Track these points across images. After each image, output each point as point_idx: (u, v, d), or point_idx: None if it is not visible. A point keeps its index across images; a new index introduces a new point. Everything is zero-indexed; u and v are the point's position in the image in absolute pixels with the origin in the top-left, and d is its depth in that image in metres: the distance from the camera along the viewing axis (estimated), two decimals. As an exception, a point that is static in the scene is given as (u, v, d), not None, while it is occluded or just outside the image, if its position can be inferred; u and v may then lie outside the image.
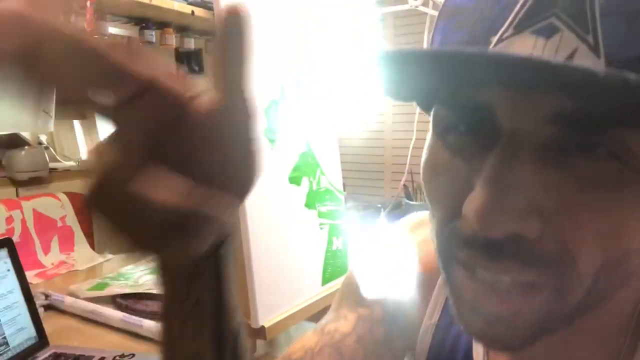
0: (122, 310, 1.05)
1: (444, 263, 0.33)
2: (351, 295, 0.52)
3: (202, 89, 0.27)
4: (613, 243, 0.28)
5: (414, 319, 0.47)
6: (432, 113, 0.33)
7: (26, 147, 2.03)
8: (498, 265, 0.29)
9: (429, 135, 0.34)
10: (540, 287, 0.29)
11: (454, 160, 0.31)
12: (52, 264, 1.44)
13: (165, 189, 0.25)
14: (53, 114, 1.73)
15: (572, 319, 0.31)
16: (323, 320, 0.52)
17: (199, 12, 1.82)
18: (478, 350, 0.42)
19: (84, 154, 2.63)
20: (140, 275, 1.29)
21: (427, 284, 0.47)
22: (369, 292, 0.50)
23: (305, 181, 0.98)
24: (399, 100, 0.35)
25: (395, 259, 0.50)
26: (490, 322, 0.30)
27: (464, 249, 0.30)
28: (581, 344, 0.37)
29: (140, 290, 1.16)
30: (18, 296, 0.86)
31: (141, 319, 0.98)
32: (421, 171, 0.34)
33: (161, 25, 1.89)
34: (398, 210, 1.97)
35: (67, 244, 1.54)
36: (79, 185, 2.10)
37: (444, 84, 0.30)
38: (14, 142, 2.06)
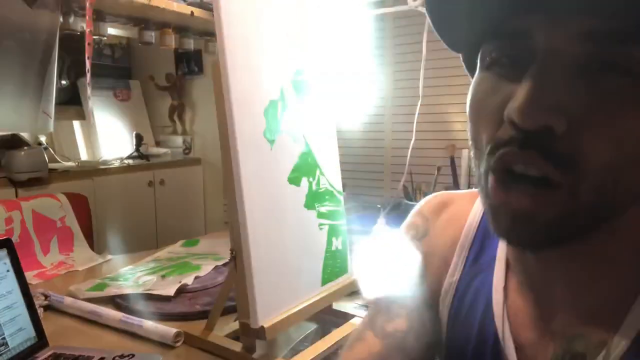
0: (122, 311, 1.05)
1: (483, 179, 0.39)
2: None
3: None
4: (621, 147, 0.34)
5: (438, 278, 0.54)
6: (478, 56, 0.41)
7: (25, 147, 2.03)
8: (527, 153, 0.35)
9: (474, 77, 0.42)
10: (556, 187, 0.35)
11: (498, 84, 0.38)
12: (52, 264, 1.44)
13: None
14: (52, 115, 1.73)
15: (588, 227, 0.37)
16: (378, 320, 0.55)
17: (199, 12, 1.82)
18: (498, 297, 0.48)
19: (83, 155, 2.64)
20: (139, 276, 1.29)
21: (449, 250, 0.54)
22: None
23: (304, 181, 0.98)
24: (451, 48, 0.44)
25: (420, 235, 0.58)
26: (516, 219, 0.37)
27: (500, 150, 0.37)
28: (599, 272, 0.41)
29: (140, 291, 1.16)
30: (17, 297, 0.86)
31: (141, 319, 0.98)
32: (468, 104, 0.42)
33: (161, 25, 1.89)
34: (397, 210, 1.97)
35: (66, 244, 1.54)
36: (78, 186, 2.10)
37: (492, 11, 0.37)
38: (14, 142, 2.06)
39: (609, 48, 0.33)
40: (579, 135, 0.34)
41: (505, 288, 0.48)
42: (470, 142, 0.42)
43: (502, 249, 0.50)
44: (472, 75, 0.43)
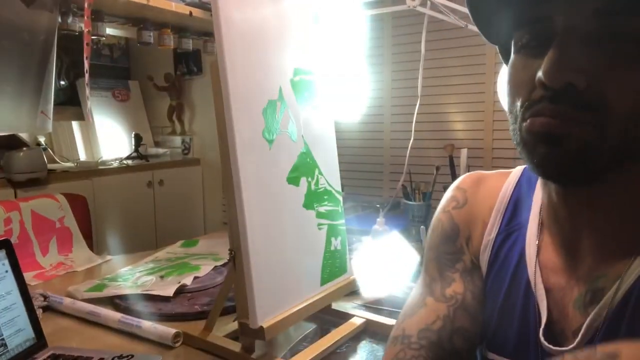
0: (121, 311, 1.05)
1: (520, 129, 0.47)
2: (443, 256, 0.64)
3: None
4: (637, 97, 0.42)
5: (479, 238, 0.62)
6: (512, 42, 0.49)
7: (24, 148, 2.03)
8: (557, 106, 0.43)
9: (510, 60, 0.50)
10: (586, 122, 0.42)
11: (528, 62, 0.46)
12: (51, 265, 1.44)
13: None
14: (51, 115, 1.73)
15: (611, 166, 0.44)
16: (434, 286, 0.62)
17: (197, 12, 1.82)
18: (531, 250, 0.55)
19: (82, 155, 2.63)
20: (138, 276, 1.29)
21: (487, 215, 0.62)
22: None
23: (303, 181, 0.98)
24: (490, 41, 0.55)
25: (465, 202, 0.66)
26: (550, 145, 0.44)
27: (534, 108, 0.45)
28: (619, 217, 0.48)
29: (139, 291, 1.16)
30: (16, 297, 0.86)
31: (140, 319, 0.98)
32: (506, 81, 0.49)
33: (159, 26, 1.89)
34: (396, 210, 1.97)
35: (65, 245, 1.54)
36: (77, 186, 2.09)
37: (520, 3, 0.47)
38: (13, 143, 2.06)
39: (615, 21, 0.41)
40: (599, 89, 0.42)
41: (538, 245, 0.55)
42: (508, 114, 0.50)
43: (535, 213, 0.57)
44: (507, 63, 0.52)
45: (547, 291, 0.52)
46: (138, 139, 2.69)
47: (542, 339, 0.51)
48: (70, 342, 0.95)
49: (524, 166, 0.62)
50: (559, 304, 0.51)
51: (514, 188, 0.61)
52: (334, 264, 1.03)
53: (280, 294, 0.89)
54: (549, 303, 0.52)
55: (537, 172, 0.48)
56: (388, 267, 1.34)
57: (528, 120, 0.45)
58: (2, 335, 0.82)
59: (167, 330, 0.93)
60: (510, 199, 0.61)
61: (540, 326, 0.51)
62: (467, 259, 0.63)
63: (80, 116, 2.72)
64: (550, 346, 0.50)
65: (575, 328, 0.49)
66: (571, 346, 0.48)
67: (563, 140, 0.43)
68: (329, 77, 1.09)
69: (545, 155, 0.45)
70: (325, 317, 1.05)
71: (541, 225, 0.56)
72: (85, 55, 1.32)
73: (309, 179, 0.99)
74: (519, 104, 0.47)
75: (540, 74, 0.43)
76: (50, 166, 2.15)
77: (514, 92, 0.48)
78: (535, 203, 0.58)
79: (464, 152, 1.65)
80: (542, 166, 0.46)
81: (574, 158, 0.43)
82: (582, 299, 0.49)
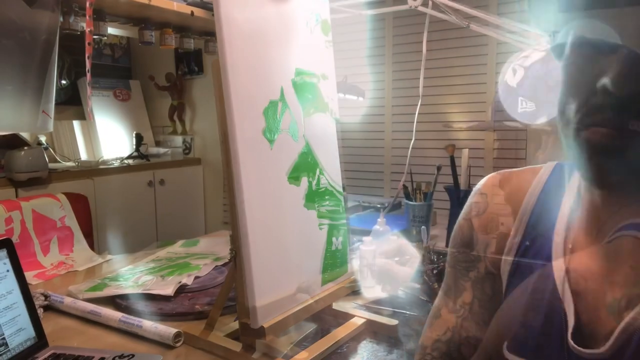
0: (122, 311, 1.05)
1: (576, 135, 0.46)
2: (458, 264, 0.65)
3: None
4: None
5: (500, 242, 0.61)
6: (569, 35, 0.47)
7: (26, 147, 2.03)
8: (620, 115, 0.43)
9: (566, 52, 0.48)
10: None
11: (591, 61, 0.45)
12: (52, 264, 1.44)
13: None
14: (52, 114, 1.73)
15: None
16: (449, 296, 0.65)
17: (199, 12, 1.82)
18: (558, 254, 0.54)
19: (83, 155, 2.64)
20: (139, 276, 1.29)
21: (509, 217, 0.60)
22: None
23: (304, 181, 0.97)
24: (541, 29, 0.52)
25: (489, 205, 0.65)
26: (608, 157, 0.44)
27: (594, 115, 0.44)
28: None
29: (140, 291, 1.16)
30: (17, 297, 0.86)
31: (140, 319, 0.98)
32: (564, 82, 0.48)
33: (161, 25, 1.89)
34: (397, 210, 1.97)
35: (66, 244, 1.54)
36: (78, 186, 2.10)
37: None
38: (14, 142, 2.06)
39: None
40: None
41: (571, 249, 0.54)
42: (558, 113, 0.49)
43: (563, 214, 0.56)
44: (556, 54, 0.51)
45: (576, 295, 0.51)
46: (139, 139, 2.69)
47: (571, 342, 0.50)
48: (71, 342, 0.95)
49: (554, 163, 0.61)
50: (590, 308, 0.50)
51: (542, 189, 0.59)
52: (334, 264, 1.03)
53: (280, 294, 0.89)
54: (578, 307, 0.51)
55: (593, 183, 0.48)
56: (389, 268, 1.33)
57: (588, 130, 0.45)
58: (3, 334, 0.82)
59: (168, 329, 0.93)
60: (537, 201, 0.59)
61: (567, 329, 0.50)
62: (481, 267, 0.62)
63: (82, 115, 2.73)
64: (581, 349, 0.49)
65: (608, 332, 0.48)
66: (603, 349, 0.47)
67: (621, 152, 0.43)
68: (330, 77, 1.09)
69: (602, 166, 0.45)
70: (325, 317, 1.05)
71: (573, 227, 0.55)
72: (86, 55, 1.32)
73: (310, 179, 0.99)
74: (575, 106, 0.46)
75: (607, 80, 0.42)
76: (51, 165, 2.15)
77: (570, 93, 0.47)
78: (564, 205, 0.56)
79: (465, 153, 1.65)
80: (599, 177, 0.46)
81: (633, 169, 0.44)
82: (616, 304, 0.48)
